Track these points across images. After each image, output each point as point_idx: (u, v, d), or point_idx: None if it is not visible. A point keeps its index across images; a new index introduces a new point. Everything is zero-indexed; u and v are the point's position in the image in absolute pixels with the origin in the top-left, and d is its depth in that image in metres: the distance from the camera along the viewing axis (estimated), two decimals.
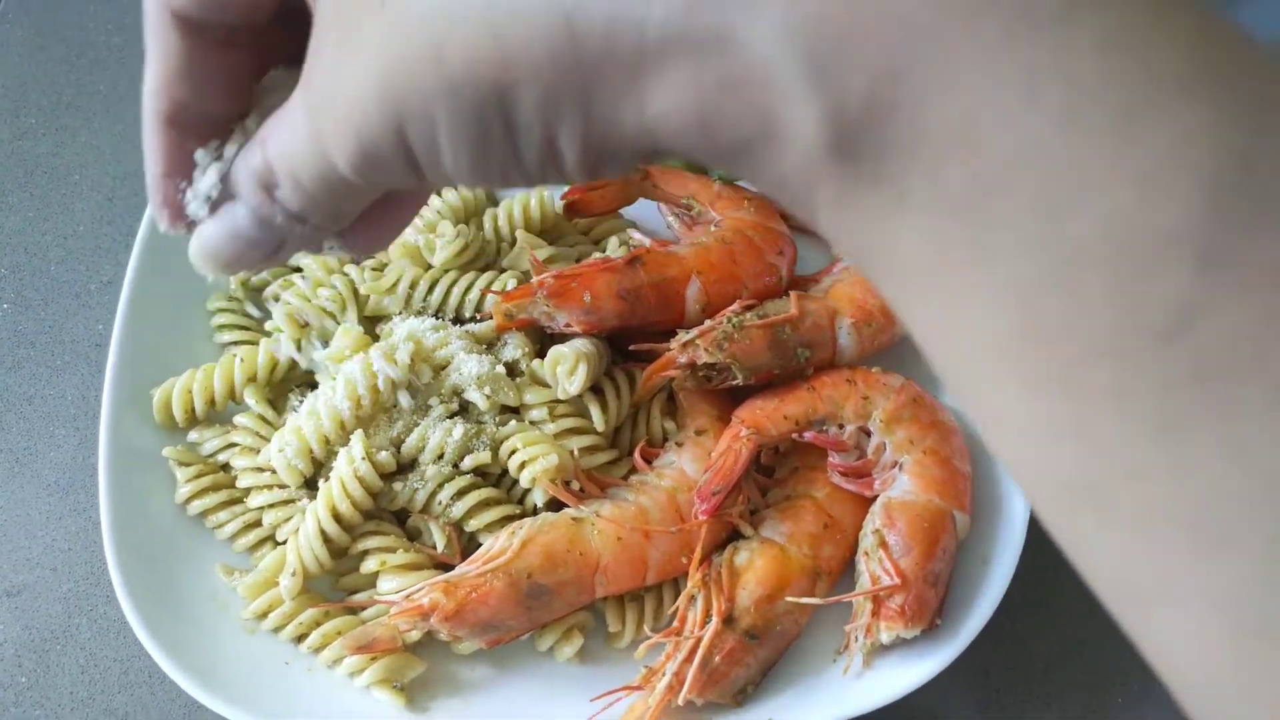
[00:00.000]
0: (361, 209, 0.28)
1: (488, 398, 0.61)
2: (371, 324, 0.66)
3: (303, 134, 0.25)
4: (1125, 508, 0.19)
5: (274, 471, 0.61)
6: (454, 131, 0.23)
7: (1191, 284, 0.18)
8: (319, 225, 0.28)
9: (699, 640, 0.56)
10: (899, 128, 0.19)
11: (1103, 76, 0.18)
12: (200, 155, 0.29)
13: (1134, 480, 0.19)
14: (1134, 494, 0.19)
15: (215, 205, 0.29)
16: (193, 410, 0.64)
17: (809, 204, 0.22)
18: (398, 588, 0.57)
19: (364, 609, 0.59)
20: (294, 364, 0.65)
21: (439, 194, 0.70)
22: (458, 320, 0.66)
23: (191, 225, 0.29)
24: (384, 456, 0.59)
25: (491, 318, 0.63)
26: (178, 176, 0.29)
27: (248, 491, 0.62)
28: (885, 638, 0.56)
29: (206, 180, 0.29)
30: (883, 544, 0.58)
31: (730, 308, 0.64)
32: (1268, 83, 0.18)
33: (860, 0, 0.18)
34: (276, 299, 0.68)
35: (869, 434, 0.62)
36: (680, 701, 0.55)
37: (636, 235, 0.72)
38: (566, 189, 0.70)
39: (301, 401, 0.63)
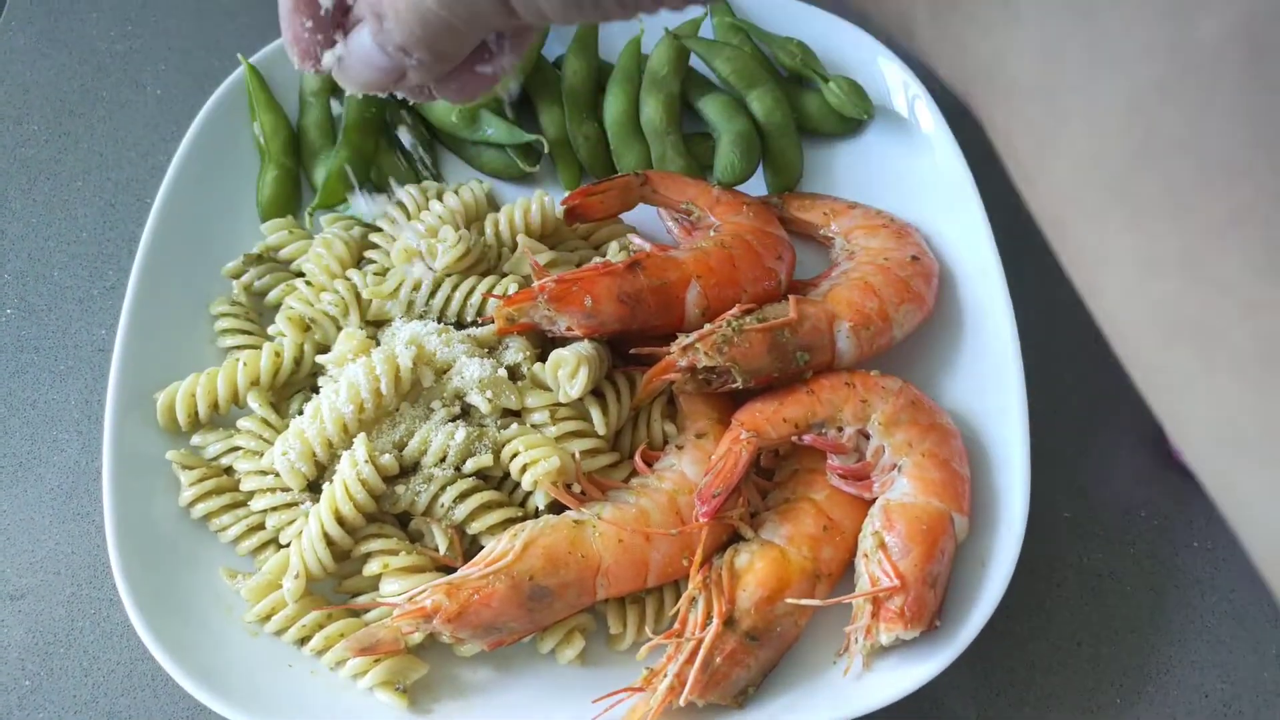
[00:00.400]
0: (461, 52, 0.30)
1: (489, 401, 0.61)
2: (373, 329, 0.67)
3: None
4: (1238, 347, 0.18)
5: (277, 475, 0.61)
6: None
7: None
8: (424, 61, 0.30)
9: (700, 642, 0.56)
10: None
11: None
12: None
13: (1249, 318, 0.17)
14: (1249, 332, 0.17)
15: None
16: (196, 414, 0.64)
17: (907, 23, 0.20)
18: (400, 590, 0.58)
19: (367, 611, 0.60)
20: (296, 368, 0.65)
21: (440, 199, 0.71)
22: (459, 324, 0.67)
23: (318, 64, 0.33)
24: (387, 459, 0.60)
25: (493, 322, 0.64)
26: (304, 14, 0.31)
27: (251, 495, 0.63)
28: (885, 639, 0.57)
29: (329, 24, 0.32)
30: (882, 546, 0.59)
31: (730, 312, 0.65)
32: None
33: None
34: (279, 304, 0.69)
35: (868, 437, 0.63)
36: (681, 703, 0.55)
37: (636, 240, 0.73)
38: (567, 194, 0.71)
39: (304, 405, 0.63)
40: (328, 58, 0.33)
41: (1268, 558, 0.19)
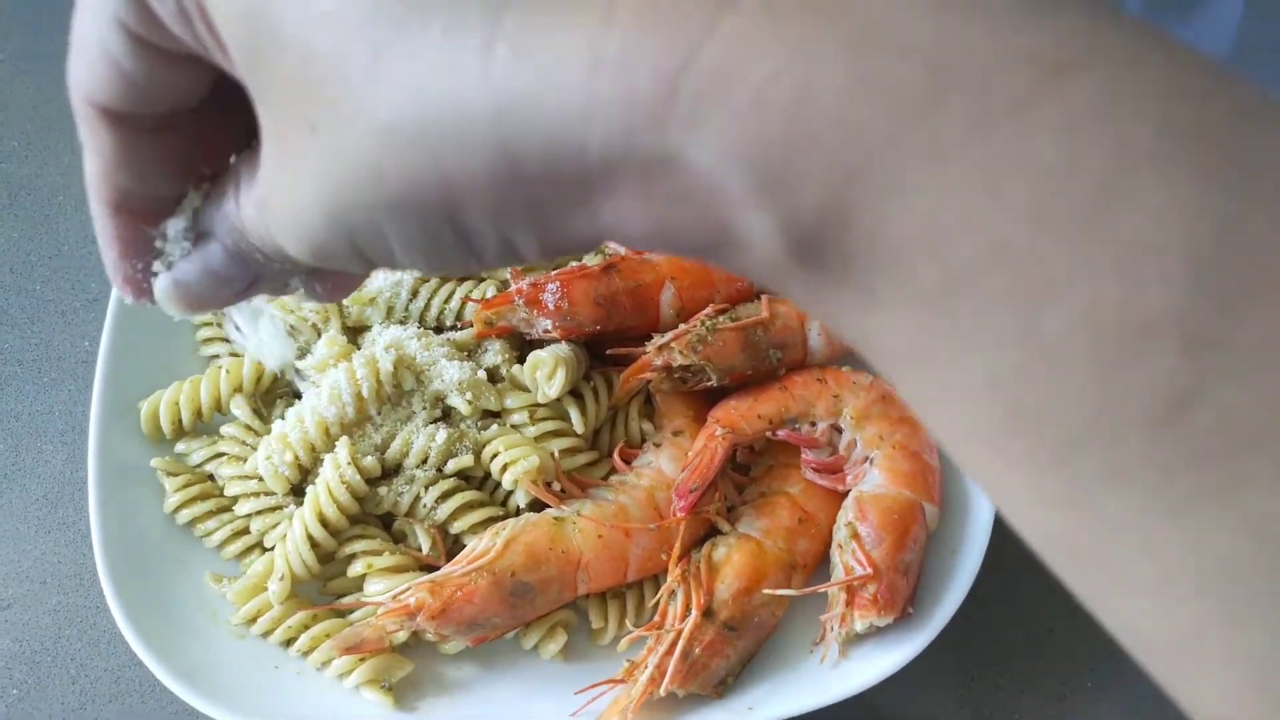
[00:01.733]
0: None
1: (469, 403, 0.62)
2: (354, 335, 0.68)
3: (256, 224, 0.26)
4: (1141, 577, 0.19)
5: (261, 479, 0.62)
6: (405, 241, 0.23)
7: (1181, 369, 0.17)
8: (292, 267, 0.28)
9: (679, 633, 0.58)
10: (858, 234, 0.19)
11: (1069, 165, 0.17)
12: (172, 224, 0.28)
13: (1147, 553, 0.18)
14: (1149, 565, 0.18)
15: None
16: (179, 422, 0.65)
17: (784, 292, 0.22)
18: (385, 589, 0.59)
19: (352, 611, 0.61)
20: (279, 374, 0.66)
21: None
22: (439, 329, 0.68)
23: (150, 296, 0.29)
24: (369, 462, 0.61)
25: (472, 326, 0.65)
26: (134, 257, 0.28)
27: (235, 500, 0.63)
28: (859, 626, 0.58)
29: (175, 243, 0.28)
30: (855, 536, 0.60)
31: (704, 312, 0.66)
32: (1247, 143, 0.17)
33: (805, 112, 0.18)
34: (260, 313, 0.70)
35: (840, 431, 0.64)
36: (662, 693, 0.56)
37: (612, 245, 0.74)
38: None
39: (287, 411, 0.64)
40: (162, 283, 0.29)
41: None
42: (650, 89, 0.18)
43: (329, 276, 0.31)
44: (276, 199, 0.24)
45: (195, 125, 0.27)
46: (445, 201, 0.21)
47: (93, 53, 0.24)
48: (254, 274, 0.28)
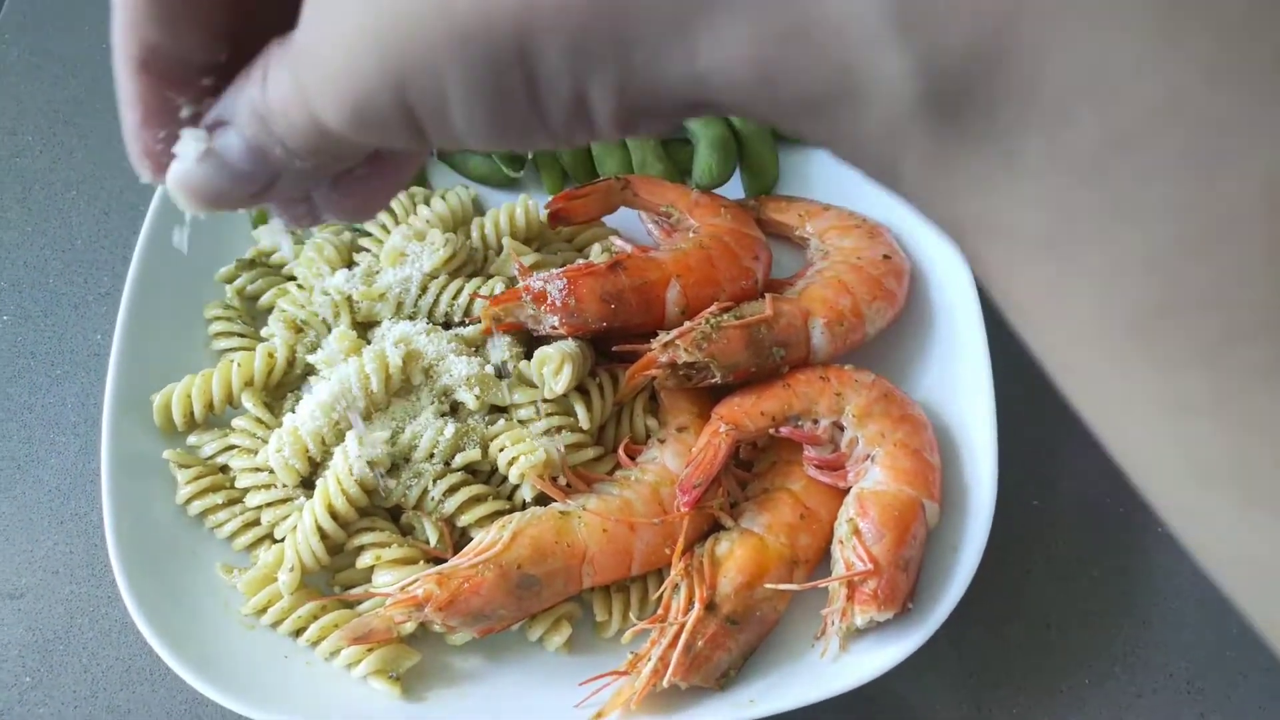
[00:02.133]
0: (360, 156, 0.26)
1: (477, 398, 0.63)
2: (364, 330, 0.69)
3: (288, 90, 0.23)
4: (1276, 487, 0.17)
5: (272, 471, 0.63)
6: (467, 88, 0.20)
7: None
8: (314, 168, 0.25)
9: (682, 626, 0.58)
10: (1012, 78, 0.16)
11: (1254, 17, 0.15)
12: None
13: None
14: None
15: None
16: (191, 415, 0.66)
17: (891, 168, 0.19)
18: (393, 581, 0.60)
19: (360, 602, 0.62)
20: (289, 368, 0.67)
21: (427, 204, 0.73)
22: (447, 324, 0.69)
23: (165, 172, 0.27)
24: (378, 454, 0.62)
25: (480, 321, 0.66)
26: (156, 126, 0.26)
27: (246, 491, 0.64)
28: (859, 621, 0.59)
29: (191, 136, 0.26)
30: (856, 532, 0.61)
31: (708, 310, 0.67)
32: None
33: None
34: (272, 307, 0.71)
35: (842, 428, 0.65)
36: (665, 685, 0.57)
37: (619, 242, 0.75)
38: (551, 198, 0.73)
39: (297, 404, 0.65)
40: (173, 171, 0.26)
41: None
42: None
43: (352, 186, 0.27)
44: (320, 44, 0.21)
45: None
46: (522, 29, 0.19)
47: None
48: (272, 173, 0.25)
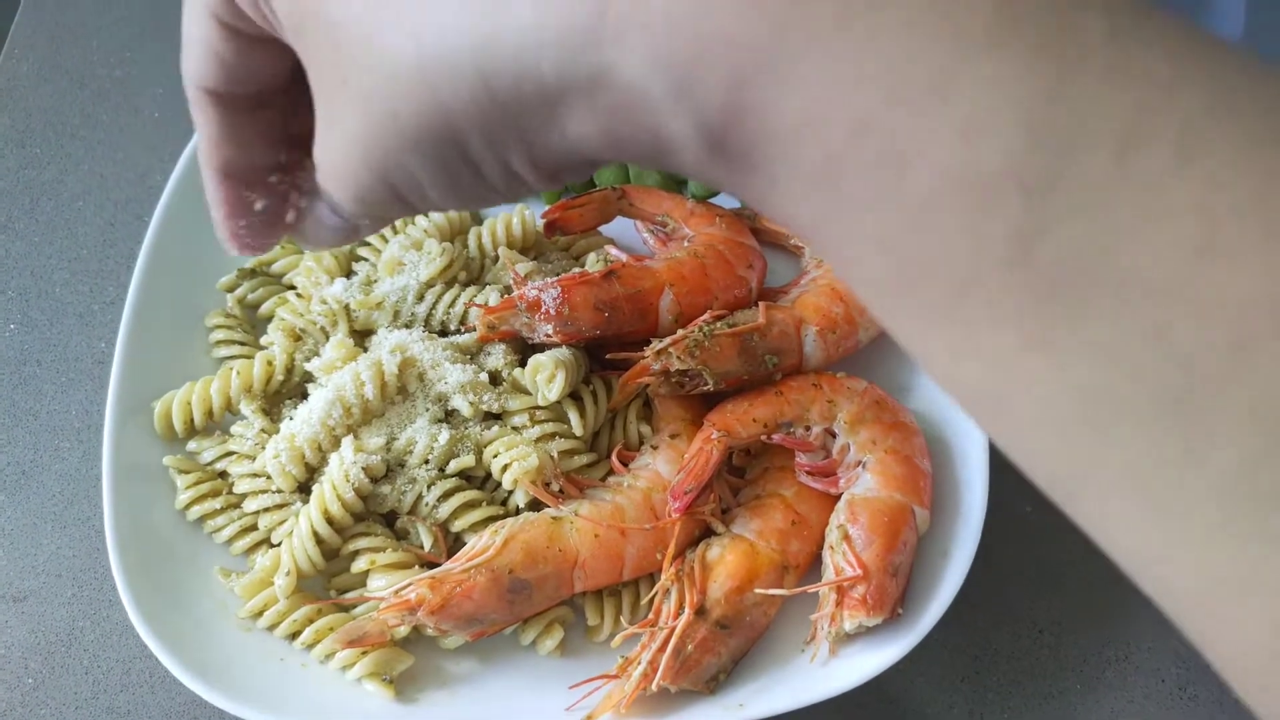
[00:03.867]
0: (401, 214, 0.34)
1: (471, 404, 0.64)
2: (361, 338, 0.70)
3: (324, 189, 0.31)
4: (1029, 414, 0.22)
5: (269, 477, 0.64)
6: (430, 173, 0.27)
7: (1022, 213, 0.20)
8: (374, 222, 0.34)
9: (673, 630, 0.59)
10: (753, 128, 0.22)
11: (915, 48, 0.20)
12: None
13: (1027, 390, 0.21)
14: (1030, 402, 0.21)
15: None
16: (191, 421, 0.67)
17: (718, 188, 0.26)
18: (387, 585, 0.60)
19: (355, 606, 0.62)
20: (288, 375, 0.68)
21: (425, 215, 0.74)
22: (443, 332, 0.70)
23: (252, 248, 0.36)
24: (374, 461, 0.62)
25: (475, 329, 0.67)
26: (238, 217, 0.34)
27: (244, 497, 0.65)
28: (849, 626, 0.59)
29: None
30: (846, 538, 0.61)
31: (702, 318, 0.68)
32: (1069, 20, 0.20)
33: (706, 27, 0.21)
34: (272, 315, 0.72)
35: (834, 435, 0.66)
36: (654, 689, 0.58)
37: (614, 251, 0.76)
38: (547, 208, 0.74)
39: (295, 411, 0.66)
40: (301, 227, 0.36)
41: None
42: (584, 12, 0.22)
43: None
44: (327, 155, 0.29)
45: (285, 105, 0.33)
46: (449, 130, 0.25)
47: (196, 45, 0.30)
48: (353, 226, 0.34)
